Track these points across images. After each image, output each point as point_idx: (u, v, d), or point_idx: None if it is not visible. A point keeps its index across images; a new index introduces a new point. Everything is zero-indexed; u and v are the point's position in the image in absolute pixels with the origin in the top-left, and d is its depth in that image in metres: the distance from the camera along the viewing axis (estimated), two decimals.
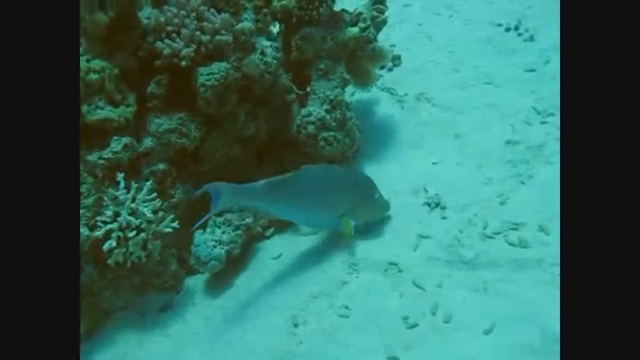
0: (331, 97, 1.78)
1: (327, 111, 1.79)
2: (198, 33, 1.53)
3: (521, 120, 2.07)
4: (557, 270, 1.52)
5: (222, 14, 1.60)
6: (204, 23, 1.55)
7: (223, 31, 1.58)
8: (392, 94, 2.34)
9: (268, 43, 1.69)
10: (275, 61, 1.69)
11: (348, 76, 1.82)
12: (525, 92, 2.19)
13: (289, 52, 1.88)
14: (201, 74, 1.57)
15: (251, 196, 1.55)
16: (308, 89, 1.89)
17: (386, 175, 1.98)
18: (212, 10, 1.59)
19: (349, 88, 2.11)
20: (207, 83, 1.56)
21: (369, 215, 1.75)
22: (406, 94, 2.30)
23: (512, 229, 1.66)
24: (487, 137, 2.03)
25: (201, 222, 1.52)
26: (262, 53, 1.66)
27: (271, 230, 1.88)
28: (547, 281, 1.50)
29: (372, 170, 2.02)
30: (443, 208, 1.79)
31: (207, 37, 1.55)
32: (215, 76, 1.56)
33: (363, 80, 1.95)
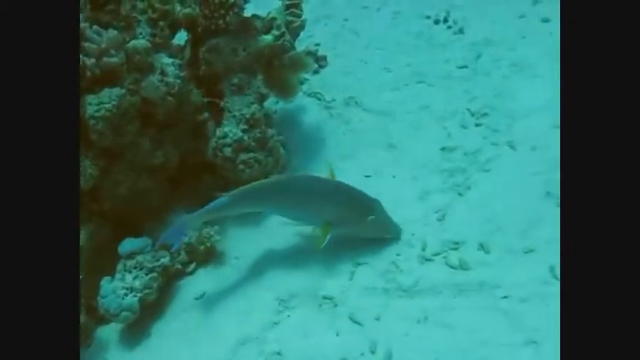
0: (247, 115, 1.64)
1: (244, 131, 1.65)
2: (80, 56, 1.34)
3: (456, 123, 2.00)
4: (499, 292, 1.45)
5: (110, 31, 1.41)
6: (87, 44, 1.36)
7: (112, 51, 1.39)
8: (319, 99, 2.22)
9: (169, 61, 1.52)
10: (178, 81, 1.52)
11: (265, 90, 1.67)
12: (458, 92, 2.12)
13: (199, 66, 1.71)
14: (90, 104, 1.39)
15: (221, 211, 1.53)
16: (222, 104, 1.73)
17: None
18: (95, 27, 1.40)
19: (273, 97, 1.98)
20: (97, 114, 1.38)
21: (364, 233, 1.63)
22: (334, 100, 2.18)
23: (452, 248, 1.58)
24: (422, 144, 1.95)
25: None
26: (162, 73, 1.49)
27: (193, 265, 1.72)
28: (489, 306, 1.44)
29: None
30: None
31: (93, 60, 1.36)
32: (106, 105, 1.38)
33: (284, 92, 1.82)
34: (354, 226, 1.61)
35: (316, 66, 2.29)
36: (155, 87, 1.46)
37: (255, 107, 1.65)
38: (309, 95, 2.24)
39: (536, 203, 1.65)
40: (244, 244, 1.77)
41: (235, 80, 1.67)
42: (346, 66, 2.36)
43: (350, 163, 1.96)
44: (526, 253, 1.53)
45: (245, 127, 1.64)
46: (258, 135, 1.66)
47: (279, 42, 1.66)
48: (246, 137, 1.65)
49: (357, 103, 2.17)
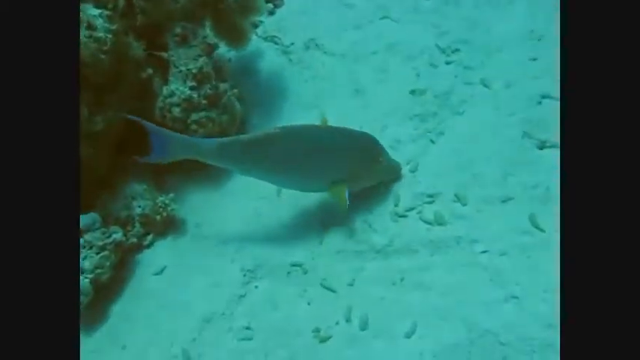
0: (195, 70, 1.49)
1: (192, 88, 1.50)
2: None
3: (425, 62, 1.88)
4: (477, 247, 1.39)
5: None
6: None
7: None
8: (276, 43, 2.06)
9: (96, 12, 1.35)
10: (109, 36, 1.35)
11: (212, 40, 1.51)
12: (426, 26, 1.99)
13: (135, 15, 1.54)
14: None
15: (205, 155, 1.39)
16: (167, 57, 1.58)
17: None
18: None
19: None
20: None
21: (373, 180, 1.52)
22: (292, 44, 2.03)
23: (427, 202, 1.51)
24: (390, 88, 1.83)
25: None
26: (89, 27, 1.32)
27: (150, 237, 1.62)
28: (466, 262, 1.38)
29: None
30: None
31: None
32: None
33: (235, 39, 1.66)
34: (366, 175, 1.49)
35: (271, 6, 2.12)
36: (82, 44, 1.30)
37: (203, 60, 1.51)
38: (264, 39, 2.08)
39: (512, 146, 1.58)
40: (205, 210, 1.67)
41: (178, 30, 1.51)
42: (303, 3, 2.18)
43: (314, 112, 1.83)
44: (504, 202, 1.46)
45: (193, 83, 1.50)
46: (209, 91, 1.53)
47: None
48: (195, 95, 1.51)
49: (317, 45, 2.02)
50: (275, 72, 1.99)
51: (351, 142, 1.46)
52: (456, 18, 2.00)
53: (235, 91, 1.68)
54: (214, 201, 1.68)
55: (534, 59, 1.77)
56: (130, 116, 1.37)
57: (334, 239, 1.51)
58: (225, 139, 1.39)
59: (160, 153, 1.39)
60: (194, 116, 1.53)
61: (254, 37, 2.00)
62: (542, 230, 1.38)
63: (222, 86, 1.58)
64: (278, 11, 2.18)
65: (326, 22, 2.10)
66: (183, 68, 1.50)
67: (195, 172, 1.73)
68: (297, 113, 1.86)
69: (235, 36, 1.66)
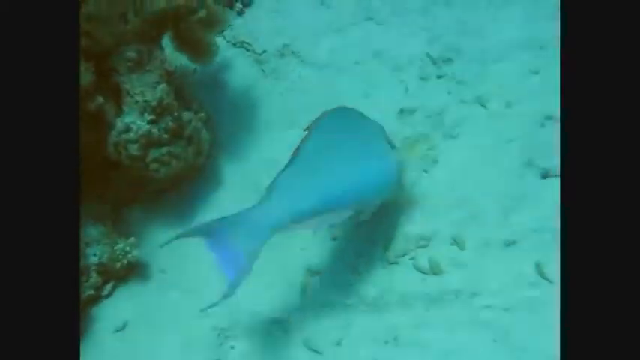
0: (153, 102, 1.33)
1: (151, 122, 1.34)
2: None
3: (415, 74, 1.74)
4: (478, 301, 1.29)
5: None
6: None
7: None
8: (247, 50, 1.89)
9: None
10: None
11: (171, 67, 1.35)
12: (415, 30, 1.84)
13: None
14: None
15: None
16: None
17: (253, 175, 1.61)
18: None
19: None
20: None
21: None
22: (265, 51, 1.86)
23: (420, 246, 1.39)
24: (376, 105, 1.68)
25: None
26: None
27: (109, 286, 1.48)
28: (466, 319, 1.28)
29: (235, 170, 1.64)
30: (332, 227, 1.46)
31: None
32: None
33: (198, 55, 1.50)
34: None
35: (239, 5, 1.94)
36: None
37: (162, 89, 1.35)
38: (233, 45, 1.91)
39: (513, 177, 1.46)
40: (170, 253, 1.52)
41: (130, 54, 1.34)
42: (276, 2, 2.00)
43: (293, 132, 1.69)
44: (507, 246, 1.35)
45: (152, 117, 1.34)
46: (171, 123, 1.37)
47: (182, 1, 1.31)
48: (155, 129, 1.35)
49: (293, 53, 1.87)
50: (246, 84, 1.83)
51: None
52: (447, 20, 1.85)
53: (202, 115, 1.53)
54: (180, 243, 1.53)
55: (536, 72, 1.64)
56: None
57: (318, 288, 1.39)
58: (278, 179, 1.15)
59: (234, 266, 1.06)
60: (154, 153, 1.38)
61: (221, 42, 1.83)
62: (549, 281, 1.28)
63: (186, 115, 1.42)
64: (248, 11, 2.00)
65: (302, 24, 1.94)
66: (139, 98, 1.34)
67: (158, 206, 1.60)
68: (273, 134, 1.72)
69: (199, 52, 1.49)
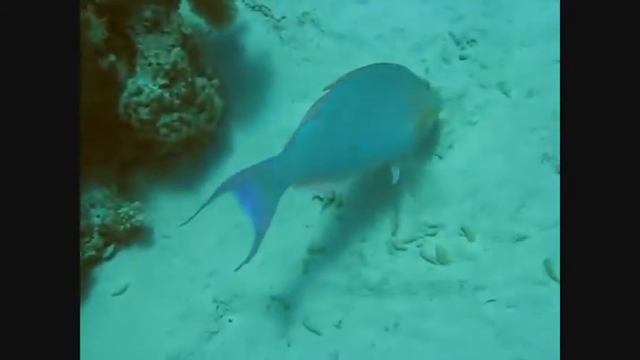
0: (167, 65, 1.29)
1: (163, 86, 1.31)
2: None
3: (437, 54, 1.69)
4: (482, 295, 1.28)
5: None
6: None
7: None
8: (265, 15, 1.84)
9: None
10: None
11: (188, 30, 1.31)
12: (440, 8, 1.78)
13: None
14: None
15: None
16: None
17: (264, 144, 1.58)
18: None
19: None
20: None
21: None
22: (284, 17, 1.81)
23: (429, 234, 1.37)
24: None
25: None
26: None
27: (110, 248, 1.47)
28: (469, 312, 1.27)
29: (247, 138, 1.62)
30: (339, 203, 1.45)
31: None
32: None
33: (216, 19, 1.46)
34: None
35: None
36: None
37: (176, 52, 1.31)
38: (252, 8, 1.85)
39: (530, 170, 1.43)
40: (176, 220, 1.50)
41: (147, 14, 1.30)
42: None
43: (305, 105, 1.65)
44: (517, 241, 1.33)
45: (165, 81, 1.31)
46: (184, 89, 1.34)
47: None
48: (167, 94, 1.32)
49: (313, 21, 1.81)
50: (263, 51, 1.78)
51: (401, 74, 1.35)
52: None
53: (215, 81, 1.49)
54: (187, 210, 1.51)
55: (559, 61, 1.59)
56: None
57: (320, 268, 1.39)
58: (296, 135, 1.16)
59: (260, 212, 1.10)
60: (165, 119, 1.35)
61: (239, 4, 1.78)
62: (556, 280, 1.26)
63: (200, 81, 1.39)
64: None
65: None
66: (153, 61, 1.31)
67: (166, 171, 1.58)
68: (284, 105, 1.69)
69: (217, 15, 1.45)
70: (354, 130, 1.21)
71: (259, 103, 1.70)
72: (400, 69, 1.40)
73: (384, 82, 1.33)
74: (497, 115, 1.54)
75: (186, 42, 1.35)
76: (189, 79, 1.34)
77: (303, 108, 1.56)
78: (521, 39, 1.67)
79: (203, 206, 1.12)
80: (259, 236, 1.09)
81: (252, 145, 1.64)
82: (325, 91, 1.24)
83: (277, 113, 1.68)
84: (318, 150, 1.15)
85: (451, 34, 1.71)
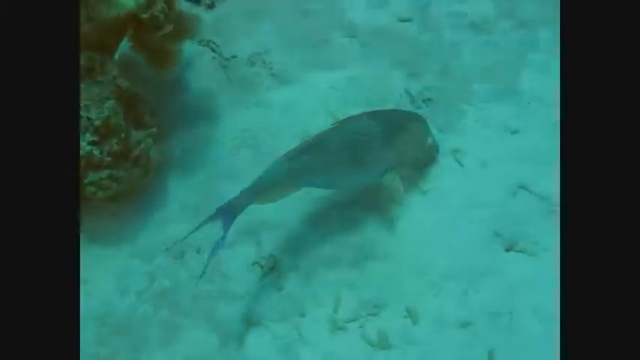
0: (98, 121, 1.18)
1: (93, 143, 1.19)
2: None
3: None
4: None
5: None
6: None
7: None
8: (213, 51, 1.74)
9: None
10: None
11: (124, 83, 1.20)
12: (396, 61, 1.73)
13: None
14: None
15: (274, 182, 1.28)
16: None
17: (203, 192, 1.49)
18: None
19: None
20: None
21: (419, 165, 1.50)
22: (234, 57, 1.71)
23: (371, 314, 1.32)
24: None
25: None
26: None
27: None
28: None
29: (184, 187, 1.52)
30: (279, 274, 1.37)
31: None
32: None
33: (160, 65, 1.34)
34: (415, 159, 1.48)
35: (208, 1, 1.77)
36: None
37: (110, 107, 1.19)
38: (199, 44, 1.75)
39: (479, 249, 1.40)
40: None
41: (82, 60, 1.18)
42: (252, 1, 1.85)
43: (248, 161, 1.57)
44: (462, 327, 1.29)
45: (95, 137, 1.19)
46: (116, 146, 1.22)
47: (146, 14, 1.15)
48: (97, 151, 1.20)
49: (264, 63, 1.72)
50: (209, 92, 1.68)
51: (404, 124, 1.43)
52: (431, 54, 1.75)
53: (153, 130, 1.38)
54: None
55: (515, 132, 1.57)
56: None
57: (258, 342, 1.30)
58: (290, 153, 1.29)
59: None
60: (92, 177, 1.23)
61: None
62: None
63: (135, 135, 1.27)
64: (219, 5, 1.83)
65: (279, 31, 1.79)
66: (83, 114, 1.19)
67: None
68: (223, 157, 1.59)
69: (161, 60, 1.34)
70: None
71: (201, 150, 1.60)
72: (416, 119, 1.47)
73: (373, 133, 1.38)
74: (450, 186, 1.50)
75: (122, 94, 1.24)
76: (123, 135, 1.22)
77: (248, 169, 1.49)
78: (476, 102, 1.65)
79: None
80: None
81: (190, 194, 1.54)
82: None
83: (220, 171, 1.58)
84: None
85: (407, 92, 1.68)
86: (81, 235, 1.28)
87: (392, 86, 1.69)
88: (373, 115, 1.41)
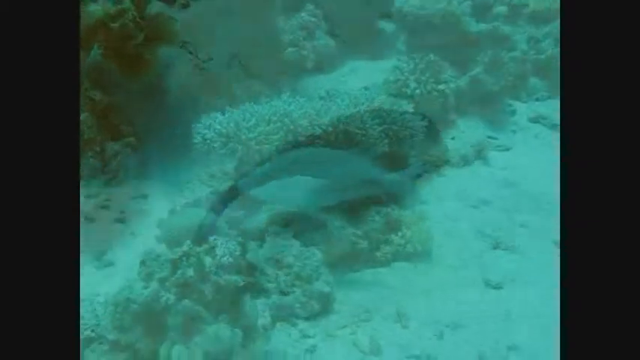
0: None
1: None
2: None
3: None
4: None
5: None
6: None
7: None
8: (190, 53, 1.69)
9: None
10: None
11: (96, 95, 1.16)
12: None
13: None
14: None
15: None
16: None
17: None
18: None
19: None
20: None
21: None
22: (211, 59, 1.67)
23: (363, 319, 1.30)
24: None
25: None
26: None
27: None
28: None
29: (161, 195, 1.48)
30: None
31: None
32: None
33: (134, 71, 1.31)
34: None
35: None
36: None
37: (84, 119, 1.15)
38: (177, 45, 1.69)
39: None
40: None
41: None
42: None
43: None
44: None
45: None
46: (91, 160, 1.19)
47: (116, 23, 1.10)
48: None
49: (242, 64, 1.68)
50: (185, 93, 1.64)
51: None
52: None
53: (131, 139, 1.34)
54: None
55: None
56: None
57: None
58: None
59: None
60: None
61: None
62: None
63: (111, 148, 1.23)
64: (194, 4, 1.77)
65: (257, 31, 1.75)
66: None
67: None
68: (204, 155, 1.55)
69: (136, 69, 1.30)
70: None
71: (179, 157, 1.56)
72: None
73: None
74: None
75: (95, 106, 1.19)
76: (98, 149, 1.18)
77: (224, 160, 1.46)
78: None
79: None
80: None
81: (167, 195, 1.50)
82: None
83: (196, 165, 1.54)
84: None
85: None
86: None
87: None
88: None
